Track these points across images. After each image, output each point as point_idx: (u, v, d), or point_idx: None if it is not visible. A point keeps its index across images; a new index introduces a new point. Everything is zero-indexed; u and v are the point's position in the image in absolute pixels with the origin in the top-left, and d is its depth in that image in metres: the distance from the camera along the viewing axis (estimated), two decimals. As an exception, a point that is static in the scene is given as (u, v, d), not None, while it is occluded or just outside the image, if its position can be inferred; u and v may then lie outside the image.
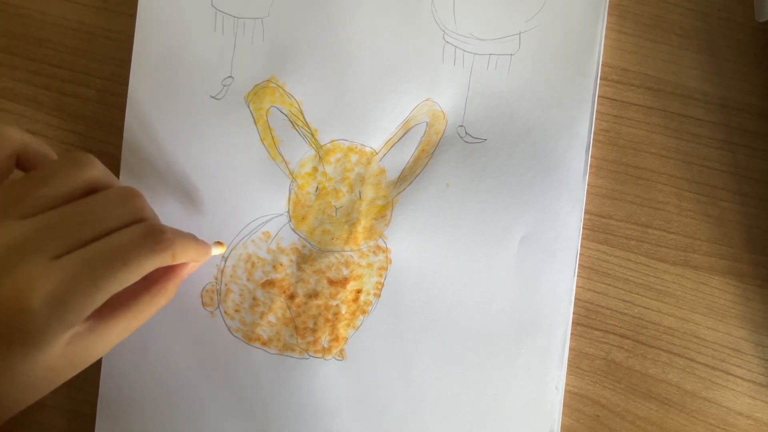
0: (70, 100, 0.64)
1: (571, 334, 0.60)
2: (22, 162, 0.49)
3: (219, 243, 0.59)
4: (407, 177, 0.61)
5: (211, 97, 0.61)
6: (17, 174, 0.49)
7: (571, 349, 0.60)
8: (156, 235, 0.47)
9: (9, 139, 0.47)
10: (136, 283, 0.47)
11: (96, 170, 0.48)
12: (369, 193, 0.61)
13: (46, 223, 0.44)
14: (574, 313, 0.60)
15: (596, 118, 0.60)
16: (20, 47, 0.65)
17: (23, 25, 0.65)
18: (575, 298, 0.60)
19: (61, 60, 0.65)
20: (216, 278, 0.61)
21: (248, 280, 0.61)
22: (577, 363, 0.61)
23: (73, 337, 0.44)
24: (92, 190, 0.48)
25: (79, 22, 0.65)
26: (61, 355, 0.44)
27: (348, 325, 0.61)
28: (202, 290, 0.61)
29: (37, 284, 0.41)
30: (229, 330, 0.61)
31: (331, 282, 0.61)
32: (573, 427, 0.60)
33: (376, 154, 0.61)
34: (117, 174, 0.62)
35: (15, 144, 0.48)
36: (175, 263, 0.49)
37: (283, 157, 0.61)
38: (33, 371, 0.43)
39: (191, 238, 0.52)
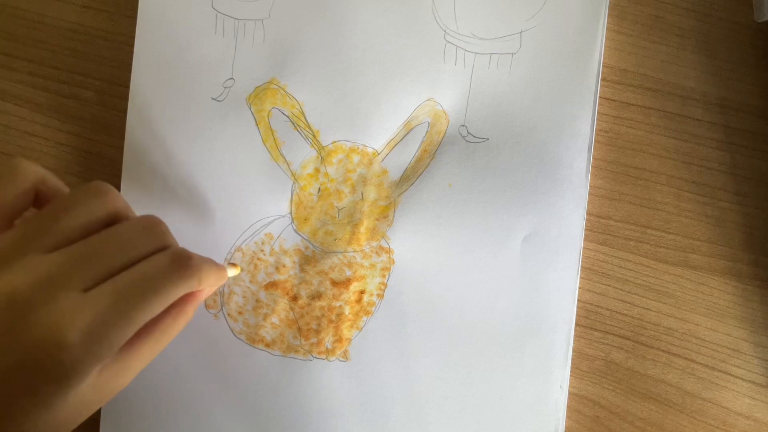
0: (69, 101, 0.64)
1: (572, 334, 0.60)
2: (39, 197, 0.48)
3: (232, 264, 0.59)
4: (409, 177, 0.61)
5: (213, 99, 0.61)
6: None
7: (571, 350, 0.60)
8: (183, 261, 0.47)
9: (28, 173, 0.47)
10: None
11: (115, 199, 0.48)
12: (371, 193, 0.61)
13: (72, 255, 0.44)
14: (574, 313, 0.60)
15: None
16: (19, 49, 0.65)
17: (22, 26, 0.65)
18: (575, 299, 0.60)
19: (60, 62, 0.65)
20: (218, 281, 0.61)
21: (251, 282, 0.61)
22: (577, 364, 0.61)
23: (102, 369, 0.44)
24: (113, 219, 0.48)
25: (78, 23, 0.64)
26: (91, 388, 0.44)
27: (351, 326, 0.61)
28: (205, 293, 0.61)
29: (71, 319, 0.41)
30: (233, 332, 0.61)
31: (334, 283, 0.61)
32: (573, 428, 0.60)
33: (378, 154, 0.61)
34: (118, 176, 0.62)
35: (34, 178, 0.47)
36: (200, 288, 0.50)
37: (284, 158, 0.61)
38: (65, 406, 0.43)
39: (213, 263, 0.52)
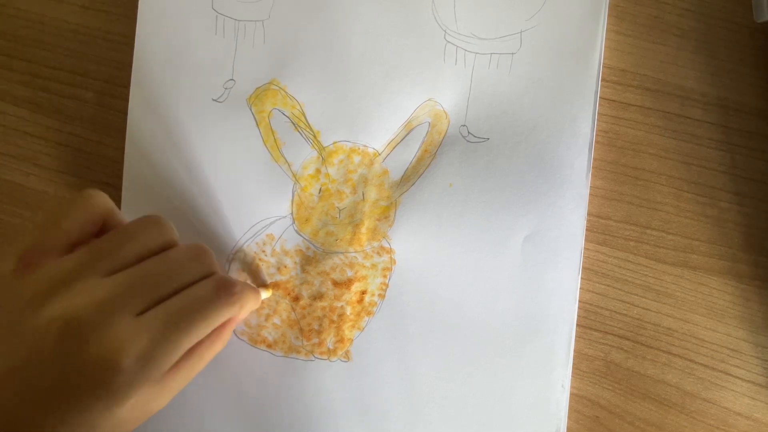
0: (69, 102, 0.64)
1: (572, 334, 0.60)
2: (104, 227, 0.50)
3: (264, 287, 0.60)
4: (410, 177, 0.61)
5: (213, 100, 0.61)
6: None
7: (571, 350, 0.60)
8: (228, 289, 0.50)
9: (99, 204, 0.49)
10: None
11: (170, 230, 0.51)
12: (372, 194, 0.61)
13: (128, 280, 0.46)
14: (573, 314, 0.60)
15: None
16: (19, 50, 0.65)
17: (21, 27, 0.65)
18: (575, 299, 0.60)
19: (60, 62, 0.64)
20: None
21: (253, 283, 0.61)
22: (577, 364, 0.61)
23: (142, 391, 0.45)
24: (165, 248, 0.50)
25: (77, 24, 0.64)
26: (130, 409, 0.45)
27: (353, 327, 0.61)
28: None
29: (126, 343, 0.43)
30: (235, 333, 0.61)
31: (336, 283, 0.61)
32: (573, 429, 0.60)
33: (379, 155, 0.61)
34: (119, 176, 0.62)
35: (104, 210, 0.49)
36: (243, 311, 0.52)
37: (285, 159, 0.61)
38: (110, 425, 0.44)
39: (252, 288, 0.55)
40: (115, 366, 0.42)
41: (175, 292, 0.47)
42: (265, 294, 0.60)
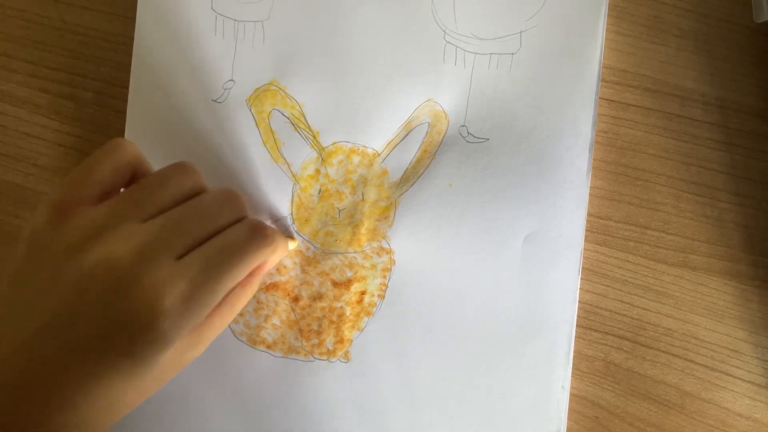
0: (68, 102, 0.64)
1: (572, 335, 0.60)
2: (132, 178, 0.50)
3: (290, 238, 0.60)
4: (410, 178, 0.61)
5: (213, 100, 0.61)
6: None
7: (571, 351, 0.60)
8: (261, 231, 0.51)
9: (127, 152, 0.49)
10: None
11: (200, 175, 0.51)
12: (372, 194, 0.61)
13: (166, 224, 0.46)
14: (573, 314, 0.60)
15: (596, 119, 0.61)
16: (18, 50, 0.65)
17: (21, 27, 0.65)
18: (574, 300, 0.60)
19: (59, 63, 0.64)
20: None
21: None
22: (576, 364, 0.60)
23: (180, 339, 0.46)
24: (197, 193, 0.50)
25: (76, 24, 0.64)
26: (170, 358, 0.46)
27: (352, 327, 0.61)
28: (206, 294, 0.61)
29: (168, 286, 0.43)
30: (234, 334, 0.61)
31: (335, 284, 0.61)
32: (572, 429, 0.60)
33: (378, 155, 0.61)
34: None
35: (132, 157, 0.49)
36: (273, 257, 0.53)
37: (285, 159, 0.61)
38: (151, 372, 0.45)
39: (282, 234, 0.56)
40: (159, 309, 0.42)
41: (210, 236, 0.48)
42: (291, 244, 0.60)
